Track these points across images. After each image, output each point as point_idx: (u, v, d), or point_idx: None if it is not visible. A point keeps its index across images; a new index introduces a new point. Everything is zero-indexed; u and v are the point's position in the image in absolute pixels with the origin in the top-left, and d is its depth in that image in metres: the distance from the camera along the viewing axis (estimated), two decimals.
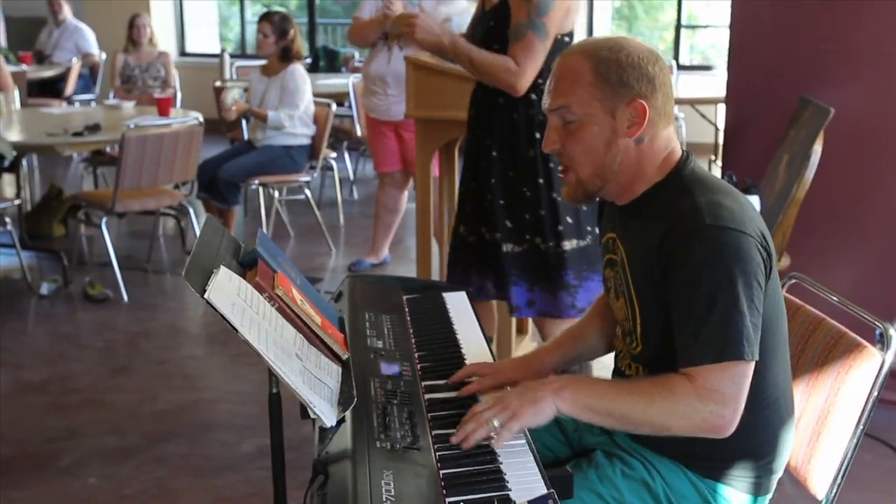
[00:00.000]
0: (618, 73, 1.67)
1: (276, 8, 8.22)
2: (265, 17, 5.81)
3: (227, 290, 1.53)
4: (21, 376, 4.05)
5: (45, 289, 5.06)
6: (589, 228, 3.11)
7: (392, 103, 5.01)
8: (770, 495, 1.83)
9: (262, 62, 6.03)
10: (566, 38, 3.05)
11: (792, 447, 1.85)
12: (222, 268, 1.57)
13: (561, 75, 1.72)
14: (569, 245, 3.09)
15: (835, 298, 2.05)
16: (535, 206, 3.06)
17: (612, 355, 1.97)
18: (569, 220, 3.08)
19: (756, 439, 1.75)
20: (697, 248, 1.59)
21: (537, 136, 3.01)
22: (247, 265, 1.73)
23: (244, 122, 6.46)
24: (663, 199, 1.70)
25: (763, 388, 1.71)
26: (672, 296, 1.64)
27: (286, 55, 5.77)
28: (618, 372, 1.89)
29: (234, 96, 5.74)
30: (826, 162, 3.07)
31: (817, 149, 3.04)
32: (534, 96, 3.00)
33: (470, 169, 3.20)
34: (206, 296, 1.46)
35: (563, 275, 3.08)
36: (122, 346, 4.42)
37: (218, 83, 7.37)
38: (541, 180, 3.05)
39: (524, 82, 2.93)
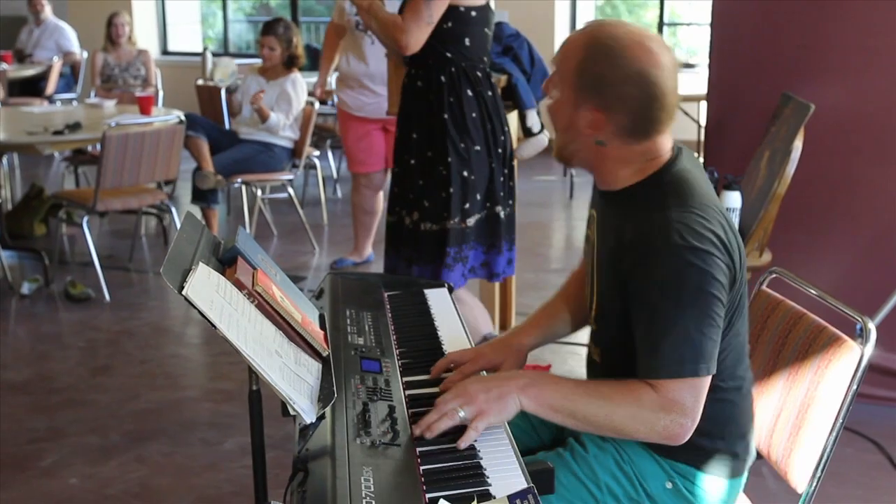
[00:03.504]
0: (595, 79, 1.67)
1: (270, 16, 8.18)
2: (269, 31, 5.80)
3: (206, 287, 1.52)
4: (2, 376, 4.02)
5: (26, 288, 5.03)
6: (489, 204, 3.34)
7: (383, 101, 5.02)
8: (742, 479, 1.86)
9: (250, 62, 6.03)
10: (472, 13, 3.19)
11: (755, 431, 1.88)
12: (201, 264, 1.56)
13: (563, 51, 1.74)
14: (471, 220, 3.29)
15: (814, 292, 2.06)
16: (447, 185, 3.24)
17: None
18: (477, 196, 3.28)
19: (717, 422, 1.77)
20: (664, 265, 1.62)
21: (446, 116, 3.21)
22: (226, 262, 1.72)
23: (227, 112, 6.45)
24: (639, 202, 1.71)
25: (726, 382, 1.76)
26: (635, 307, 1.67)
27: (291, 62, 5.84)
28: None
29: (227, 73, 5.71)
30: (807, 158, 3.08)
31: (798, 145, 3.05)
32: (443, 78, 3.20)
33: (395, 153, 3.39)
34: (184, 292, 1.45)
35: (463, 248, 3.29)
36: (104, 346, 4.40)
37: (200, 81, 7.35)
38: (450, 159, 3.22)
39: (409, 39, 3.09)
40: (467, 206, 3.26)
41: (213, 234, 1.80)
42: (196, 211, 5.72)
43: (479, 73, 3.26)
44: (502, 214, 3.38)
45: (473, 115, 3.23)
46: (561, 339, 2.12)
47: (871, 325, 1.84)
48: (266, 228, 6.28)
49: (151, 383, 3.97)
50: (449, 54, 3.19)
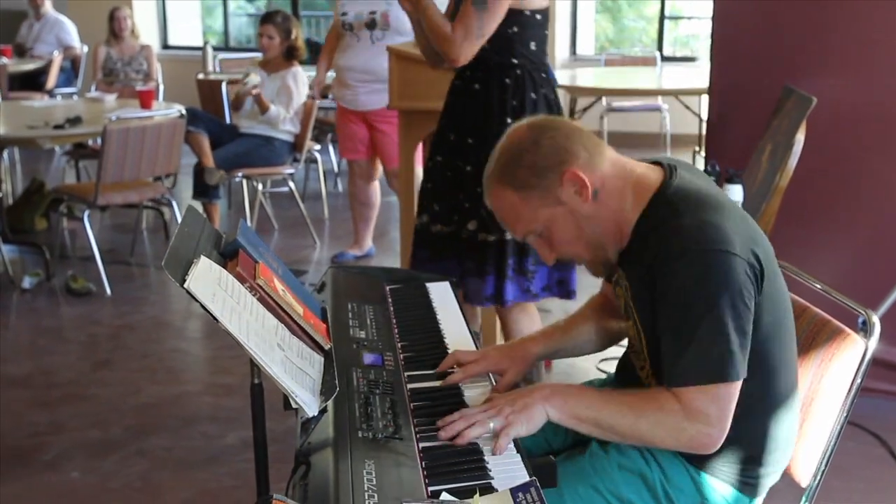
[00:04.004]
0: (535, 176, 1.68)
1: (273, 7, 8.17)
2: (267, 20, 5.81)
3: (208, 280, 1.51)
4: (3, 371, 4.02)
5: (27, 283, 5.02)
6: None
7: (360, 94, 5.07)
8: (762, 498, 1.82)
9: (251, 56, 6.03)
10: (537, 16, 3.05)
11: (791, 455, 1.84)
12: (203, 257, 1.55)
13: (501, 214, 1.77)
14: None
15: (818, 286, 2.05)
16: None
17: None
18: None
19: (759, 443, 1.74)
20: (683, 271, 1.60)
21: (509, 120, 3.03)
22: (228, 255, 1.71)
23: (227, 106, 6.44)
24: (651, 225, 1.69)
25: (768, 396, 1.73)
26: (659, 317, 1.65)
27: (291, 54, 5.82)
28: (635, 379, 1.86)
29: (253, 81, 5.70)
30: (808, 151, 3.07)
31: (800, 138, 3.04)
32: (507, 80, 3.03)
33: (441, 158, 3.19)
34: (186, 285, 1.45)
35: (525, 261, 3.12)
36: (106, 340, 4.40)
37: (201, 76, 7.34)
38: None
39: (458, 53, 2.94)
40: None
41: (215, 227, 1.80)
42: (197, 206, 5.72)
43: (543, 75, 3.12)
44: None
45: None
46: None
47: (876, 319, 1.83)
48: (267, 222, 6.27)
49: (152, 377, 3.96)
50: (515, 59, 3.03)
